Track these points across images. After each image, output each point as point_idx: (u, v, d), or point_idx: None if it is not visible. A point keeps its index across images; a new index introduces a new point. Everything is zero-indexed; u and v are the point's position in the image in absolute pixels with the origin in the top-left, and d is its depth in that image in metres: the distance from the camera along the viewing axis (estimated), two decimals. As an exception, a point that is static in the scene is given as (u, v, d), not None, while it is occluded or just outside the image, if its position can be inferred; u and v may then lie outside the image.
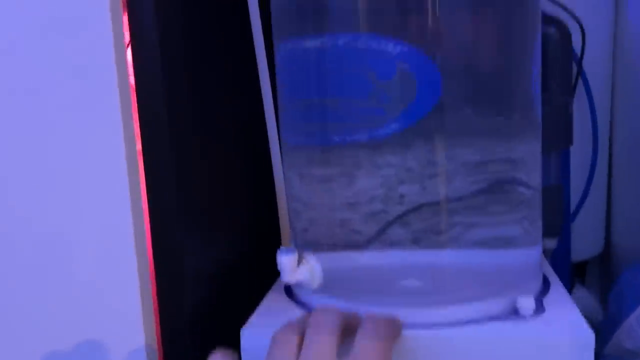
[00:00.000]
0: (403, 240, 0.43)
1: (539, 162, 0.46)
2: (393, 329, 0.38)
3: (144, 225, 0.39)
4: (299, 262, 0.43)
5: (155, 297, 0.40)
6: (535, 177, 0.45)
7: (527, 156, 0.44)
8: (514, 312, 0.42)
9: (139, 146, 0.39)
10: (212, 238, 0.45)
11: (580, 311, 0.75)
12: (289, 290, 0.48)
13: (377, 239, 0.43)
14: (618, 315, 0.58)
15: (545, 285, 0.48)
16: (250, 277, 0.49)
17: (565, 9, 0.65)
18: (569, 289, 0.73)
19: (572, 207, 0.74)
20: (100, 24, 0.36)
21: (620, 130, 0.78)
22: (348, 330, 0.36)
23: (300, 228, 0.48)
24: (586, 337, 0.38)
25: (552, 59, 0.60)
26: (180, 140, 0.40)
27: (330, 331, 0.34)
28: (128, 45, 0.39)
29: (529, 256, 0.46)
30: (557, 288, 0.46)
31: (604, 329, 0.62)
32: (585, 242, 0.79)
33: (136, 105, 0.39)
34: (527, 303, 0.41)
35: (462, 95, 0.42)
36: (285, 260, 0.42)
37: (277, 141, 0.41)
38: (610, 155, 0.80)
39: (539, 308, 0.42)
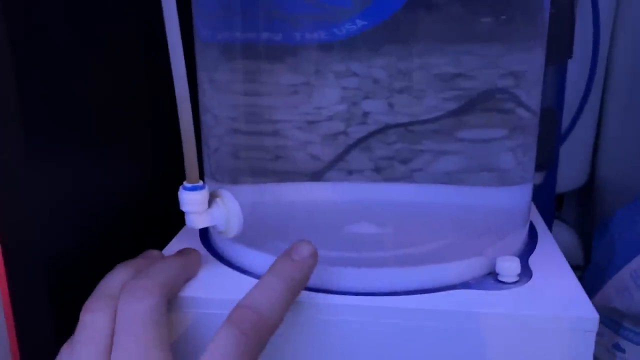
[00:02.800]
0: (360, 170, 0.33)
1: (540, 78, 0.34)
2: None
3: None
4: (211, 200, 0.32)
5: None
6: (535, 97, 0.34)
7: (528, 68, 0.33)
8: (492, 277, 0.32)
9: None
10: (81, 167, 0.33)
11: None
12: (205, 236, 0.38)
13: (326, 168, 0.33)
14: (607, 266, 0.49)
15: (532, 236, 0.38)
16: (153, 221, 0.38)
17: None
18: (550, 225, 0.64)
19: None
20: None
21: (621, 44, 0.67)
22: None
23: (217, 154, 0.36)
24: (588, 317, 0.28)
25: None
26: (26, 22, 0.27)
27: (144, 323, 0.25)
28: None
29: (519, 197, 0.36)
30: (547, 242, 0.37)
31: (586, 278, 0.53)
32: (568, 173, 0.69)
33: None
34: (510, 266, 0.31)
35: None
36: (191, 198, 0.30)
37: (179, 39, 0.28)
38: (605, 78, 0.69)
39: (525, 272, 0.32)
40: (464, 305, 0.29)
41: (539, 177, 0.49)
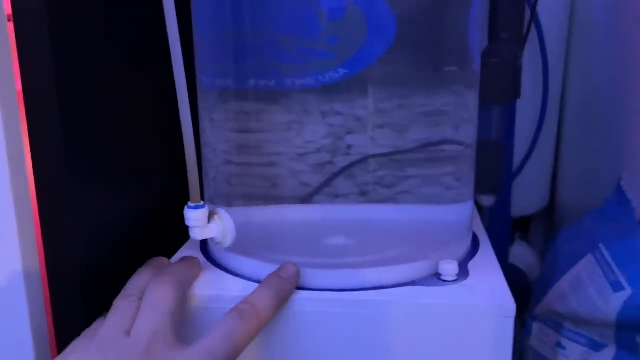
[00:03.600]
0: (345, 194, 0.40)
1: (473, 117, 0.43)
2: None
3: (26, 176, 0.35)
4: (210, 217, 0.40)
5: (43, 254, 0.36)
6: (467, 133, 0.42)
7: (459, 110, 0.41)
8: (436, 277, 0.40)
9: (18, 87, 0.34)
10: (108, 190, 0.40)
11: (521, 267, 0.75)
12: (205, 247, 0.45)
13: (315, 193, 0.40)
14: (551, 276, 0.57)
15: (475, 246, 0.45)
16: (166, 236, 0.46)
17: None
18: (509, 244, 0.72)
19: (519, 160, 0.72)
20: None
21: (573, 84, 0.76)
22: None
23: (217, 180, 0.44)
24: (507, 306, 0.36)
25: (504, 8, 0.57)
26: (67, 72, 0.36)
27: (163, 305, 0.33)
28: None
29: (459, 214, 0.44)
30: (486, 250, 0.44)
31: (537, 288, 0.61)
32: (530, 196, 0.77)
33: (14, 37, 0.34)
34: (450, 268, 0.39)
35: (412, 42, 0.39)
36: (194, 216, 0.38)
37: (184, 84, 0.36)
38: (561, 108, 0.78)
39: (463, 273, 0.40)
40: (411, 297, 0.37)
41: (490, 200, 0.57)
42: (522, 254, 0.74)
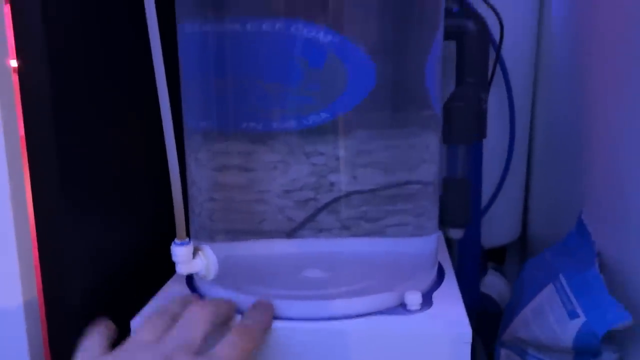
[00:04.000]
0: (328, 229, 0.44)
1: (434, 157, 0.47)
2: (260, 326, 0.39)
3: (26, 214, 0.38)
4: (195, 253, 0.43)
5: (41, 287, 0.39)
6: (429, 171, 0.46)
7: (421, 151, 0.45)
8: (402, 307, 0.43)
9: (21, 132, 0.38)
10: (103, 226, 0.44)
11: (493, 295, 0.78)
12: (190, 281, 0.49)
13: (299, 228, 0.44)
14: (517, 305, 0.60)
15: (440, 276, 0.49)
16: (154, 268, 0.49)
17: (484, 1, 0.66)
18: (481, 273, 0.76)
19: (490, 193, 0.76)
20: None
21: (540, 122, 0.81)
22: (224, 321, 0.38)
23: (203, 217, 0.48)
24: (464, 333, 0.39)
25: (469, 54, 0.61)
26: (64, 120, 0.40)
27: (200, 322, 0.35)
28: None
29: (422, 248, 0.48)
30: (450, 281, 0.48)
31: (505, 316, 0.65)
32: (501, 228, 0.81)
33: (19, 87, 0.38)
34: (414, 298, 0.43)
35: (389, 89, 0.43)
36: (179, 252, 0.42)
37: (171, 127, 0.40)
38: (530, 145, 0.83)
39: (427, 302, 0.44)
40: (377, 326, 0.41)
41: (459, 234, 0.61)
42: (495, 283, 0.78)
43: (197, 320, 0.36)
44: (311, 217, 0.43)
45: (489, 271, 0.79)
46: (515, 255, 0.93)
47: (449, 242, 0.63)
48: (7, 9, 0.39)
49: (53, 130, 0.39)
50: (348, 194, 0.43)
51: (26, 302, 0.38)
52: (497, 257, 0.90)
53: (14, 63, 0.40)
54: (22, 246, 0.38)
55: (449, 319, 0.41)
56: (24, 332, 0.38)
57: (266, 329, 0.40)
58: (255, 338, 0.37)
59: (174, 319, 0.36)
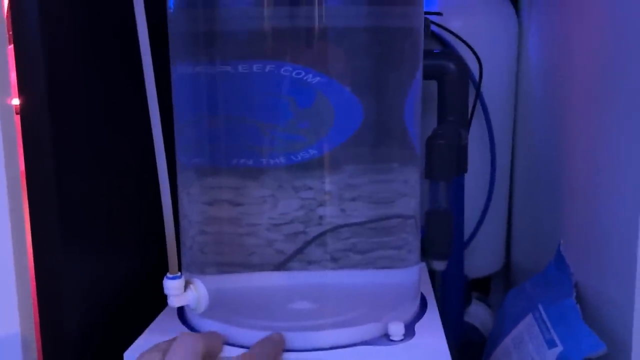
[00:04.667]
0: (317, 261, 0.46)
1: (415, 192, 0.49)
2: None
3: (25, 249, 0.40)
4: (186, 286, 0.45)
5: (37, 318, 0.41)
6: (409, 206, 0.49)
7: (401, 186, 0.47)
8: (386, 337, 0.45)
9: (22, 167, 0.40)
10: (98, 261, 0.46)
11: (477, 325, 0.80)
12: (181, 313, 0.50)
13: (288, 260, 0.45)
14: (498, 335, 0.62)
15: (423, 307, 0.51)
16: (147, 301, 0.51)
17: (463, 41, 0.69)
18: (465, 303, 0.77)
19: (472, 226, 0.79)
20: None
21: (520, 155, 0.84)
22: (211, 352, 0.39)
23: (194, 250, 0.49)
24: (444, 362, 0.41)
25: (450, 94, 0.64)
26: (64, 159, 0.42)
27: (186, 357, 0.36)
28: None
29: (404, 279, 0.50)
30: (432, 312, 0.50)
31: (487, 346, 0.66)
32: (484, 259, 0.84)
33: (20, 123, 0.40)
34: (397, 329, 0.45)
35: (372, 127, 0.45)
36: (171, 285, 0.44)
37: (164, 162, 0.42)
38: (511, 178, 0.85)
39: (409, 333, 0.46)
40: (363, 356, 0.42)
41: (441, 265, 0.63)
42: (479, 313, 0.80)
43: (185, 351, 0.37)
44: (300, 250, 0.45)
45: (473, 301, 0.81)
46: (500, 285, 0.95)
47: (432, 273, 0.65)
48: (10, 49, 0.41)
49: (53, 167, 0.41)
50: (335, 228, 0.45)
51: (23, 335, 0.40)
52: (482, 287, 0.92)
53: (15, 102, 0.42)
54: (20, 281, 0.40)
55: (430, 349, 0.43)
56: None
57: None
58: None
59: (165, 353, 0.37)
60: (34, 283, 0.41)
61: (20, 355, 0.39)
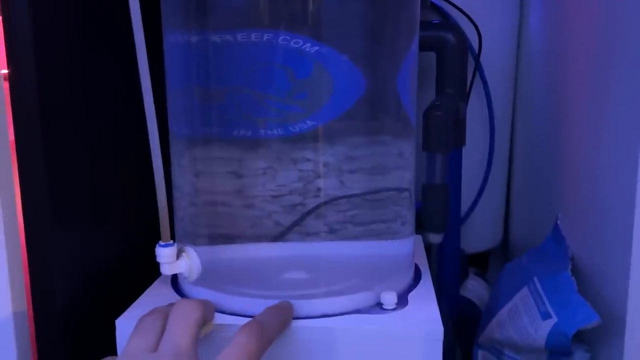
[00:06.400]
0: (316, 232, 0.45)
1: (409, 164, 0.49)
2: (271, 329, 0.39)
3: (16, 219, 0.40)
4: (179, 254, 0.45)
5: (29, 291, 0.41)
6: (403, 179, 0.48)
7: (395, 159, 0.47)
8: (379, 306, 0.45)
9: (11, 137, 0.40)
10: (90, 230, 0.46)
11: (474, 299, 0.80)
12: (175, 282, 0.50)
13: (287, 231, 0.45)
14: (494, 308, 0.62)
15: (417, 278, 0.51)
16: (140, 272, 0.51)
17: (462, 12, 0.68)
18: (462, 278, 0.77)
19: (471, 200, 0.78)
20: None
21: (519, 130, 0.83)
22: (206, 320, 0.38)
23: (186, 222, 0.49)
24: (436, 330, 0.41)
25: (448, 65, 0.63)
26: (53, 128, 0.41)
27: (188, 325, 0.36)
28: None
29: (399, 251, 0.49)
30: (426, 282, 0.50)
31: (483, 319, 0.66)
32: (482, 234, 0.83)
33: (9, 96, 0.40)
34: (389, 298, 0.44)
35: (369, 98, 0.44)
36: (164, 253, 0.43)
37: (156, 133, 0.42)
38: (510, 152, 0.85)
39: (402, 302, 0.45)
40: (353, 324, 0.42)
41: (438, 238, 0.63)
42: (475, 287, 0.80)
43: (187, 318, 0.36)
44: (298, 222, 0.45)
45: (471, 276, 0.81)
46: (498, 262, 0.95)
47: (428, 246, 0.65)
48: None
49: (40, 135, 0.41)
50: (331, 200, 0.45)
51: (15, 306, 0.40)
52: (480, 263, 0.92)
53: (4, 70, 0.42)
54: (11, 252, 0.40)
55: (422, 318, 0.43)
56: (12, 337, 0.40)
57: (279, 330, 0.40)
58: (266, 339, 0.37)
59: (165, 317, 0.37)
60: (25, 253, 0.41)
61: (12, 325, 0.39)
